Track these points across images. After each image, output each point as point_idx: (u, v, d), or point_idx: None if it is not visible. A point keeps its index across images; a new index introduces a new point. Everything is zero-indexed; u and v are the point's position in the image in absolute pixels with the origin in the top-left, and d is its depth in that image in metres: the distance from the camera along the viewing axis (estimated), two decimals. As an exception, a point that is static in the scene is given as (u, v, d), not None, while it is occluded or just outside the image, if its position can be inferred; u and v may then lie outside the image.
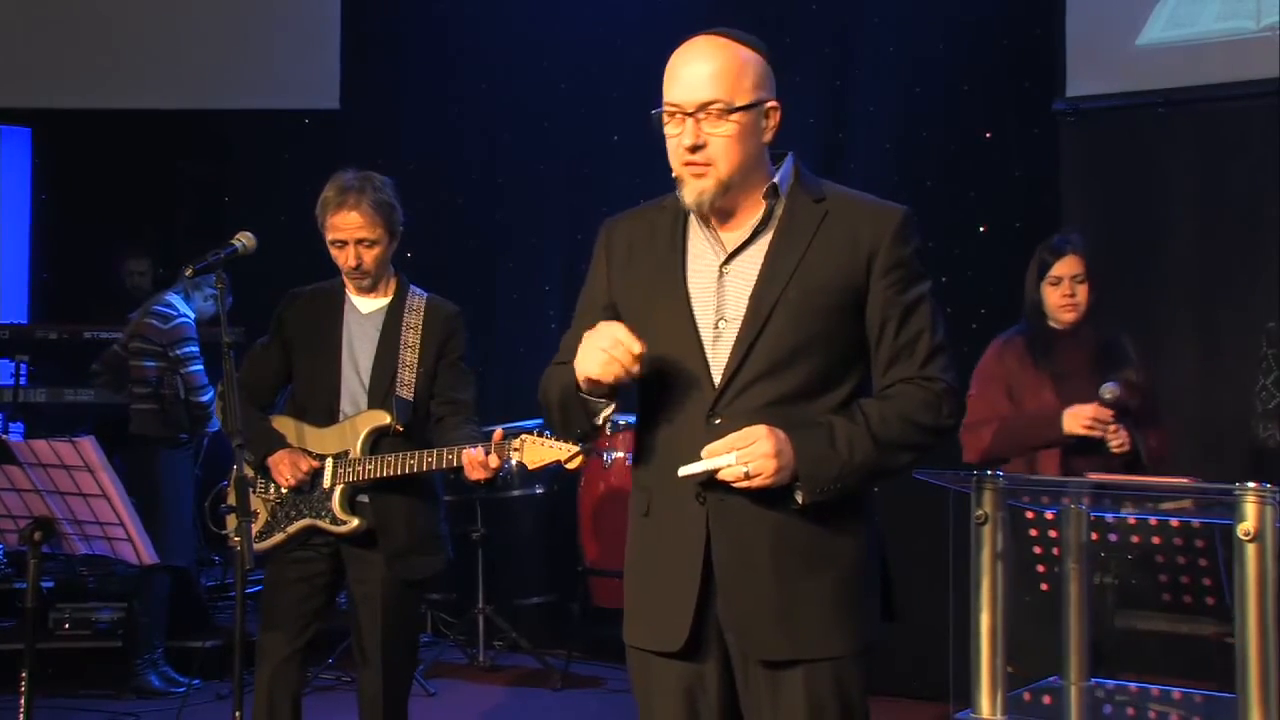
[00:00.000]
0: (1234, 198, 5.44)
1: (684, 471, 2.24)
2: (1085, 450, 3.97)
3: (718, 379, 2.29)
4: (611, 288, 2.45)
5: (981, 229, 5.79)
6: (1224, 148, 5.45)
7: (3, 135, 7.45)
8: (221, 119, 7.28)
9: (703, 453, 2.23)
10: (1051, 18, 5.69)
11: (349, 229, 3.55)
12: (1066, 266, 4.11)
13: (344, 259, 3.58)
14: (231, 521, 3.42)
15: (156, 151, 7.23)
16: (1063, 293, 4.11)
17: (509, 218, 7.02)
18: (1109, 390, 3.91)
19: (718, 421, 2.27)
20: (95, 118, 7.26)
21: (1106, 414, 3.92)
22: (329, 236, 3.59)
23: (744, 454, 2.19)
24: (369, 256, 3.57)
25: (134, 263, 6.46)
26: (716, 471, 2.22)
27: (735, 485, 2.21)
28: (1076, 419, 3.95)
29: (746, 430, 2.21)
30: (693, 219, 2.38)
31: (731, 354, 2.28)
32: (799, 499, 2.24)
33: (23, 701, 3.27)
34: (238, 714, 3.27)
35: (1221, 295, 5.42)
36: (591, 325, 2.34)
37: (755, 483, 2.20)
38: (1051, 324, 4.15)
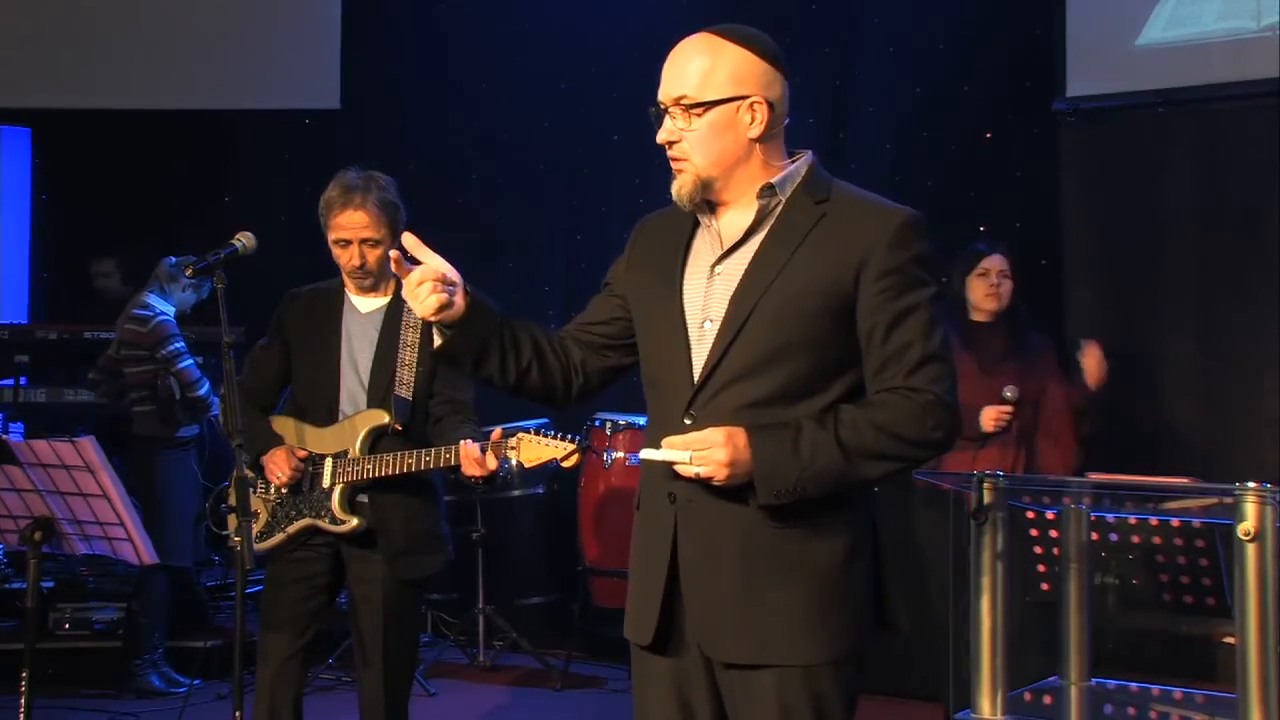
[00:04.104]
0: (1234, 198, 5.44)
1: (644, 454, 2.27)
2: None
3: (696, 378, 2.29)
4: (626, 283, 2.48)
5: (981, 229, 5.79)
6: (1224, 148, 5.45)
7: (3, 135, 7.45)
8: (221, 119, 7.28)
9: (663, 443, 2.24)
10: (1051, 18, 5.69)
11: (354, 228, 3.55)
12: (994, 262, 4.63)
13: (347, 258, 3.58)
14: (232, 522, 3.42)
15: (156, 151, 7.23)
16: (989, 284, 4.60)
17: (509, 218, 7.02)
18: (1010, 390, 4.42)
19: (688, 421, 2.27)
20: (95, 118, 7.26)
21: (1007, 412, 4.43)
22: (332, 236, 3.58)
23: (698, 457, 2.19)
24: (372, 256, 3.57)
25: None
26: (674, 463, 2.22)
27: (693, 479, 2.22)
28: (987, 418, 4.42)
29: (707, 432, 2.20)
30: (702, 219, 2.38)
31: (709, 354, 2.28)
32: (758, 499, 2.21)
33: (23, 701, 3.27)
34: (238, 714, 3.26)
35: (1221, 295, 5.43)
36: (604, 301, 2.49)
37: (711, 480, 2.20)
38: (974, 317, 4.61)
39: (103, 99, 7.26)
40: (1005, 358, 4.50)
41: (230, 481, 3.43)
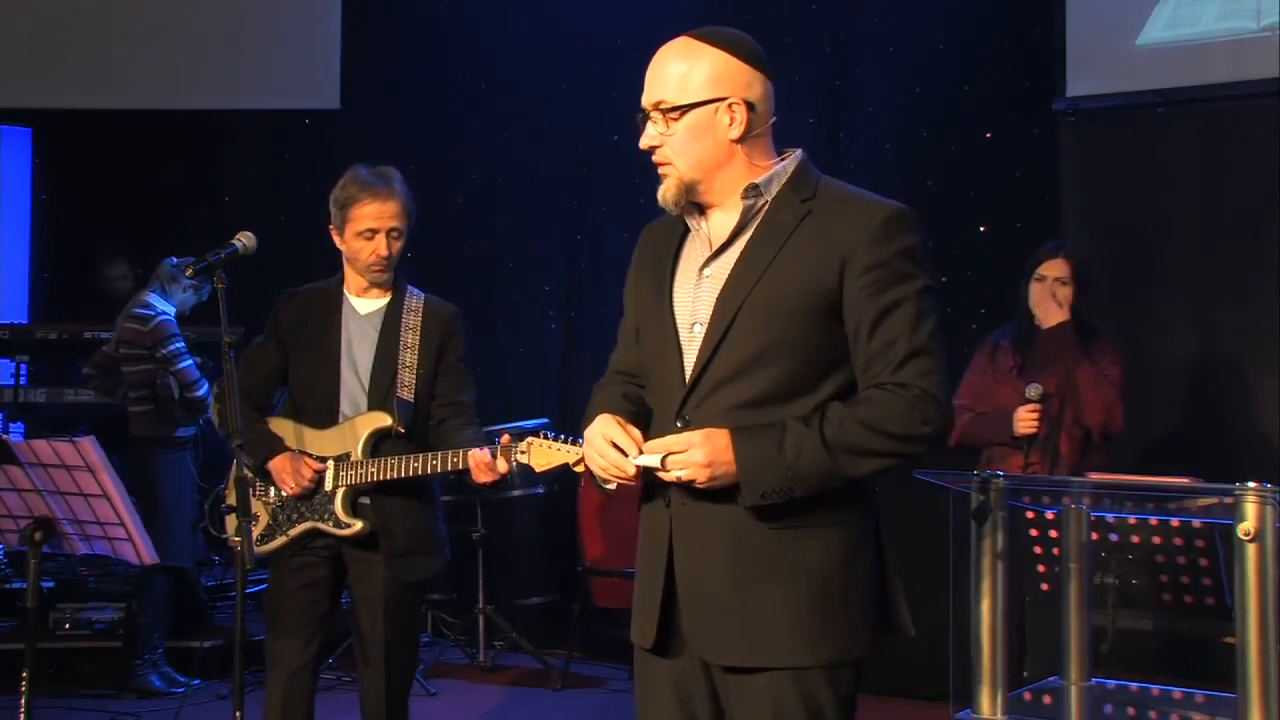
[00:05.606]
0: (1234, 198, 5.44)
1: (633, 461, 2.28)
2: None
3: (687, 381, 2.29)
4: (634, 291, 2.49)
5: (982, 229, 5.78)
6: (1224, 148, 5.45)
7: (3, 135, 7.45)
8: (221, 119, 7.28)
9: (644, 447, 2.25)
10: (1051, 18, 5.69)
11: (384, 218, 3.54)
12: (1053, 268, 4.42)
13: (371, 250, 3.55)
14: (232, 522, 3.42)
15: (156, 151, 7.23)
16: (1045, 290, 4.39)
17: (509, 218, 7.02)
18: (1033, 389, 4.19)
19: (679, 425, 2.27)
20: (95, 118, 7.26)
21: (1034, 410, 4.18)
22: (357, 227, 3.55)
23: (675, 459, 2.20)
24: (396, 247, 3.57)
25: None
26: (653, 469, 2.23)
27: (679, 482, 2.23)
28: (1018, 421, 4.22)
29: (686, 435, 2.21)
30: (691, 222, 2.38)
31: (698, 357, 2.28)
32: (743, 501, 2.21)
33: (23, 701, 3.27)
34: (238, 714, 3.26)
35: (1221, 295, 5.42)
36: (630, 340, 2.47)
37: (696, 483, 2.21)
38: (1036, 322, 4.41)
39: (103, 99, 7.27)
40: (1048, 364, 4.32)
41: (227, 482, 3.42)
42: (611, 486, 2.36)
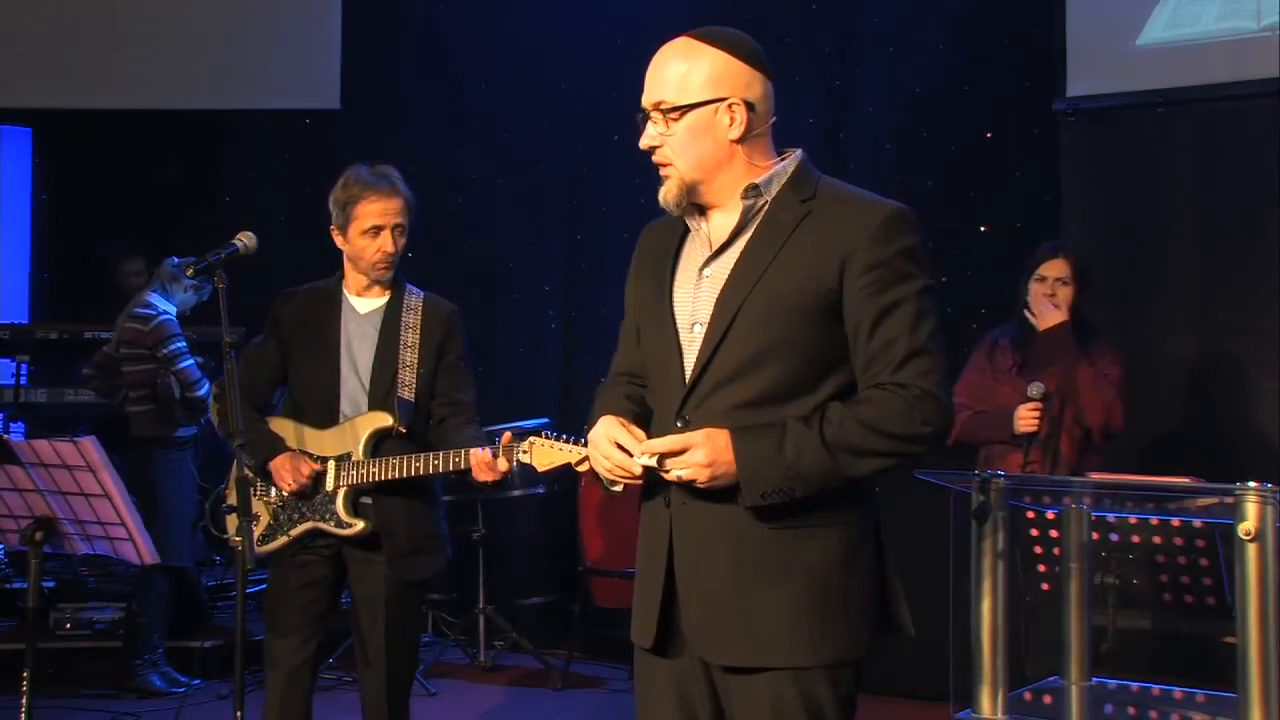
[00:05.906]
0: (1234, 198, 5.44)
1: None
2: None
3: (687, 381, 2.29)
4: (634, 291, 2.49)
5: (982, 229, 5.78)
6: (1224, 148, 5.45)
7: (3, 135, 7.46)
8: (222, 119, 7.29)
9: (641, 447, 2.25)
10: (1051, 18, 5.69)
11: (389, 214, 3.54)
12: (1053, 268, 4.43)
13: (377, 246, 3.55)
14: (232, 522, 3.41)
15: (156, 151, 7.23)
16: (1045, 291, 4.39)
17: (509, 218, 7.03)
18: (1035, 388, 4.20)
19: (679, 425, 2.27)
20: (95, 118, 7.27)
21: (1035, 409, 4.18)
22: (362, 225, 3.55)
23: (675, 460, 2.20)
24: (400, 244, 3.58)
25: (128, 263, 6.46)
26: (652, 469, 2.24)
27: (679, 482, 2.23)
28: (1018, 419, 4.22)
29: (686, 435, 2.21)
30: (691, 222, 2.38)
31: (698, 357, 2.28)
32: (743, 501, 2.21)
33: (23, 701, 3.27)
34: (239, 714, 3.26)
35: (1221, 295, 5.42)
36: (631, 341, 2.48)
37: (696, 483, 2.21)
38: (1035, 322, 4.40)
39: (103, 99, 7.27)
40: (1049, 364, 4.31)
41: (228, 482, 3.41)
42: (618, 488, 2.37)
